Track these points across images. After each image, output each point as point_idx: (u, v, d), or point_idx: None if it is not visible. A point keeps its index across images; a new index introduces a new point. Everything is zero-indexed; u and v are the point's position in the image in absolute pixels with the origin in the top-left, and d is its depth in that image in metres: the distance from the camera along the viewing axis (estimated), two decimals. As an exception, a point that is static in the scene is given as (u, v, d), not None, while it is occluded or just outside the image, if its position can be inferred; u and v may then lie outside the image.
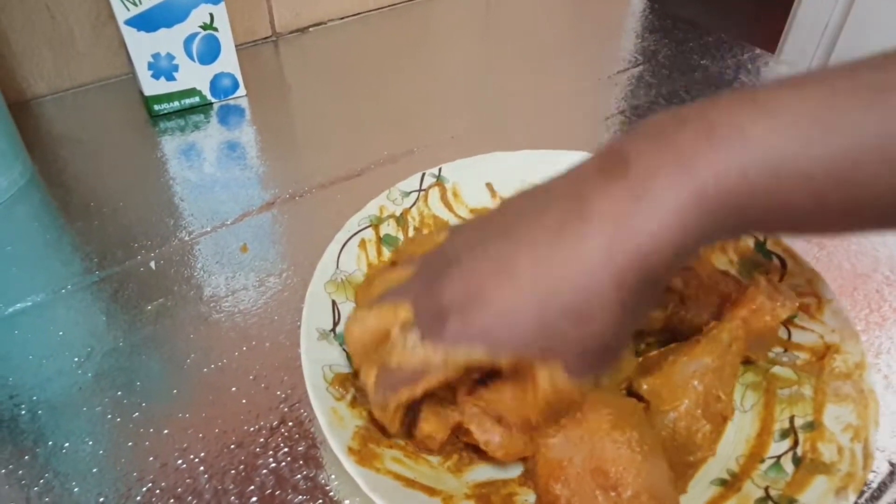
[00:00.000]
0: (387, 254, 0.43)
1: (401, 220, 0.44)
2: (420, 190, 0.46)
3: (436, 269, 0.30)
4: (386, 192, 0.45)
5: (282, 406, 0.36)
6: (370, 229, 0.43)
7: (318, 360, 0.34)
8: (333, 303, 0.38)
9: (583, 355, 0.28)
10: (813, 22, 1.31)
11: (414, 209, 0.45)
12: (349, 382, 0.34)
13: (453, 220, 0.46)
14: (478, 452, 0.32)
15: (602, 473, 0.28)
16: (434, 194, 0.46)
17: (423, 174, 0.47)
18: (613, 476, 0.28)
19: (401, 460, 0.32)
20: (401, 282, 0.32)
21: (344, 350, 0.36)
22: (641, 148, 0.26)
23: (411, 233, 0.44)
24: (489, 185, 0.47)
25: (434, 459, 0.33)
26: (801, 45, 1.35)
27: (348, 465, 0.30)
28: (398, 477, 0.30)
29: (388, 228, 0.44)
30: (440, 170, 0.47)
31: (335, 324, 0.37)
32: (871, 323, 0.41)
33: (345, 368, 0.35)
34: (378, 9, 0.78)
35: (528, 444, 0.31)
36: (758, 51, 0.70)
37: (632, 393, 0.34)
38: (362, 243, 0.42)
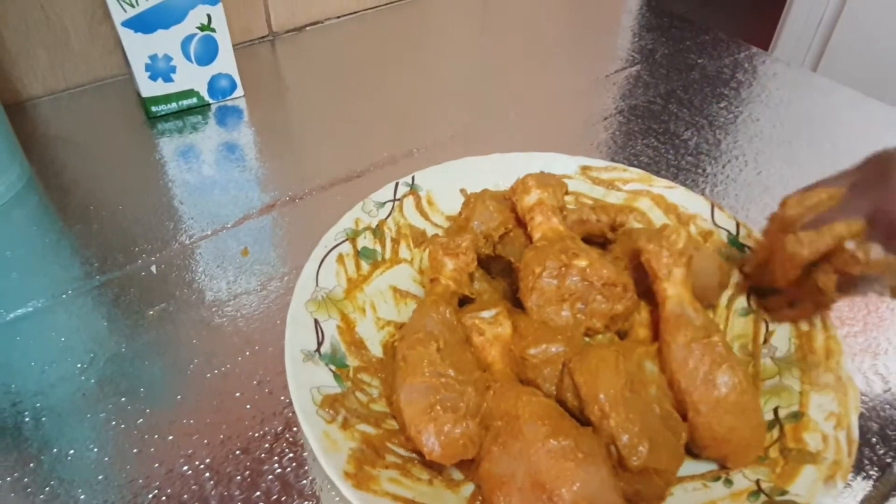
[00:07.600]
0: (366, 267, 0.42)
1: (377, 232, 0.44)
2: (394, 200, 0.45)
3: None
4: (360, 203, 0.44)
5: (286, 411, 0.36)
6: (347, 243, 0.42)
7: (306, 384, 0.34)
8: (316, 322, 0.37)
9: None
10: (807, 17, 1.32)
11: (390, 220, 0.44)
12: (339, 403, 0.34)
13: (430, 229, 0.45)
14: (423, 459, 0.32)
15: (539, 486, 0.28)
16: (409, 203, 0.46)
17: (397, 183, 0.46)
18: (549, 487, 0.28)
19: (398, 480, 0.31)
20: (833, 203, 0.35)
21: (331, 370, 0.35)
22: None
23: (389, 244, 0.43)
24: (463, 191, 0.47)
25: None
26: (795, 40, 1.36)
27: (346, 489, 0.29)
28: (396, 497, 0.30)
29: (366, 241, 0.43)
30: (413, 178, 0.47)
31: (319, 343, 0.36)
32: (870, 324, 0.42)
33: (333, 389, 0.34)
34: (374, 7, 0.78)
35: (468, 446, 0.31)
36: (754, 49, 0.71)
37: None
38: (340, 258, 0.41)
